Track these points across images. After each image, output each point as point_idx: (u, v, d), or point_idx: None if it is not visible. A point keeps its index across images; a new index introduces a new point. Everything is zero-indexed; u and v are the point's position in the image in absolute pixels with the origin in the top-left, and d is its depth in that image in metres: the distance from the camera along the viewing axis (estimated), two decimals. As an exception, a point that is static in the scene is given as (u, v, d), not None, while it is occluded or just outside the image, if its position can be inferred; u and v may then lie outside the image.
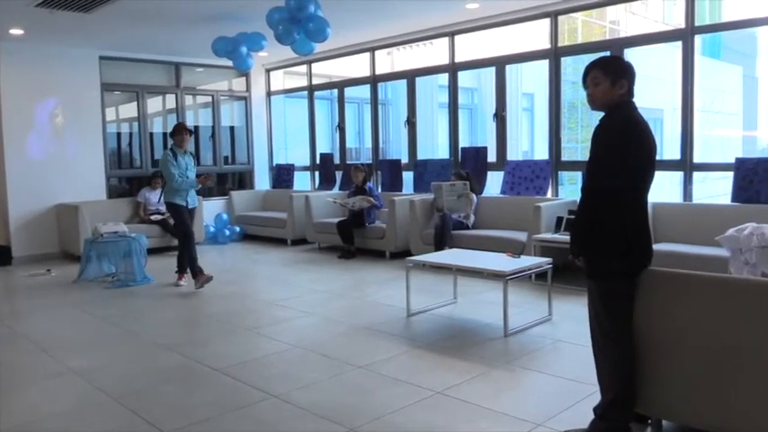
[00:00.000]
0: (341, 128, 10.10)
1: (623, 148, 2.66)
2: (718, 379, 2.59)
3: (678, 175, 6.45)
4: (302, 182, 10.77)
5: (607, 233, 2.72)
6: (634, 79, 2.80)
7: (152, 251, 8.04)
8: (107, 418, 3.35)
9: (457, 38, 8.27)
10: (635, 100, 2.82)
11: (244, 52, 7.37)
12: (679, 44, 6.32)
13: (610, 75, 2.77)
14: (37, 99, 8.54)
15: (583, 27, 10.50)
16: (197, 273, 6.34)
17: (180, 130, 6.52)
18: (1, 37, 7.85)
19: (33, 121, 8.52)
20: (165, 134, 10.33)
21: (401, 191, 8.91)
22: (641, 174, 2.74)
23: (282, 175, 10.77)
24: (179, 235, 6.78)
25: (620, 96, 2.76)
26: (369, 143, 9.91)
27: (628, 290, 2.77)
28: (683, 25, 6.28)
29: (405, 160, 9.13)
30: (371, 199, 8.11)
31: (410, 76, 9.00)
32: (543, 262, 5.04)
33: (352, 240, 8.12)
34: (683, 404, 2.72)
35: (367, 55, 9.39)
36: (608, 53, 6.23)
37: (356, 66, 9.76)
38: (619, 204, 2.70)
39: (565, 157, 7.43)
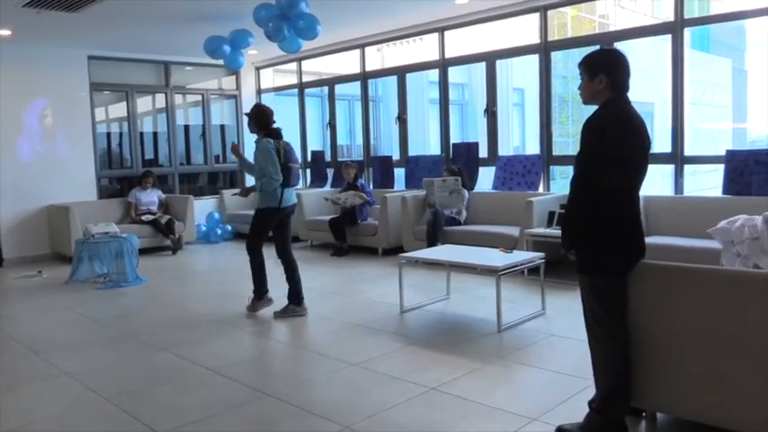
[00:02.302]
0: (332, 125, 10.08)
1: (611, 143, 2.64)
2: (712, 371, 2.60)
3: (669, 168, 6.48)
4: (294, 180, 10.72)
5: (598, 228, 2.71)
6: (619, 72, 2.76)
7: (144, 251, 8.00)
8: (101, 419, 3.34)
9: (447, 33, 8.26)
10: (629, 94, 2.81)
11: (227, 51, 7.34)
12: (668, 37, 6.34)
13: (588, 70, 2.80)
14: (26, 100, 8.48)
15: (572, 21, 10.51)
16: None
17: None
18: (-12, 38, 7.80)
19: (22, 122, 8.46)
20: (155, 133, 10.30)
21: (393, 187, 8.90)
22: (631, 168, 2.73)
23: (274, 174, 10.71)
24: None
25: (599, 91, 2.76)
26: (360, 140, 9.90)
27: (621, 284, 2.76)
28: (672, 18, 6.31)
29: (396, 157, 9.13)
30: (363, 194, 8.10)
31: (400, 73, 8.99)
32: (536, 257, 5.04)
33: (345, 237, 8.12)
34: (677, 397, 2.73)
35: (357, 52, 9.37)
36: (597, 47, 6.23)
37: (346, 62, 9.74)
38: (609, 199, 2.68)
39: (556, 151, 7.45)
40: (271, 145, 5.11)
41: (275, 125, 5.31)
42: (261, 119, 5.25)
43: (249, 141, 10.93)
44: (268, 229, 5.34)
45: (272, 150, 5.09)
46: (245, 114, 5.42)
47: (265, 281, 5.38)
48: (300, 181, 10.56)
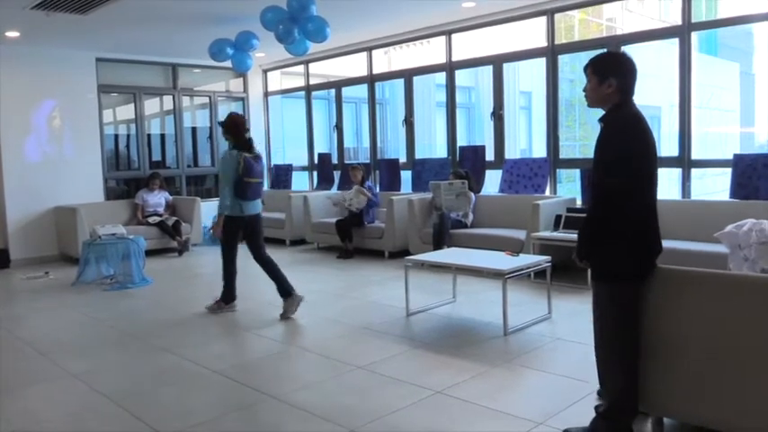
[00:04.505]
0: (338, 128, 10.09)
1: (626, 148, 2.62)
2: (718, 376, 2.59)
3: (676, 172, 6.46)
4: (300, 182, 10.75)
5: (615, 233, 2.68)
6: (628, 76, 2.73)
7: (150, 253, 8.02)
8: (106, 420, 3.35)
9: (454, 36, 8.26)
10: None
11: (230, 53, 7.37)
12: (676, 41, 6.33)
13: (597, 72, 2.75)
14: (34, 101, 8.53)
15: (579, 24, 10.50)
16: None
17: None
18: (-3, 40, 7.85)
19: (30, 123, 8.50)
20: (162, 135, 10.34)
21: (399, 190, 8.90)
22: (646, 172, 2.70)
23: (280, 176, 10.76)
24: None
25: (609, 95, 2.72)
26: (367, 143, 9.91)
27: (636, 290, 2.73)
28: (679, 22, 6.29)
29: (403, 159, 9.13)
30: (365, 190, 8.08)
31: (407, 76, 9.00)
32: (542, 260, 5.03)
33: (351, 238, 8.10)
34: (684, 402, 2.71)
35: (364, 54, 9.39)
36: (604, 50, 6.23)
37: (353, 65, 9.76)
38: (626, 205, 2.65)
39: (563, 154, 7.44)
40: (231, 158, 5.20)
41: (249, 134, 5.40)
42: (233, 129, 5.33)
43: (256, 143, 11.00)
44: (234, 238, 5.43)
45: (230, 164, 5.18)
46: (219, 123, 5.51)
47: (233, 289, 5.57)
48: (307, 183, 10.64)
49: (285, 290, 5.32)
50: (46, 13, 6.56)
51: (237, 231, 5.41)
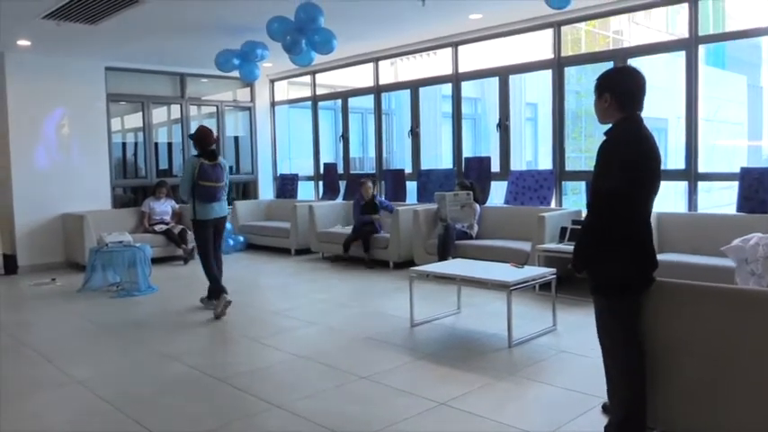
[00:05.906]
0: (345, 138, 10.12)
1: (626, 158, 2.62)
2: (723, 390, 2.58)
3: (683, 185, 6.44)
4: (306, 192, 10.78)
5: (611, 248, 2.67)
6: (625, 91, 2.73)
7: (156, 261, 8.05)
8: (110, 427, 3.35)
9: (460, 48, 8.29)
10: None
11: (236, 63, 7.42)
12: (683, 54, 6.33)
13: (596, 88, 2.81)
14: (43, 110, 8.59)
15: (586, 37, 10.50)
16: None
17: None
18: (8, 48, 7.92)
19: (40, 131, 8.56)
20: (169, 144, 10.39)
21: (405, 201, 8.90)
22: (644, 189, 2.70)
23: (286, 185, 10.79)
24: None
25: (606, 109, 2.75)
26: (372, 153, 9.93)
27: (635, 305, 2.72)
28: (686, 35, 6.30)
29: (408, 170, 9.14)
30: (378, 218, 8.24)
31: (414, 87, 9.02)
32: (547, 272, 5.02)
33: (368, 247, 8.07)
34: (688, 415, 2.70)
35: (371, 65, 9.43)
36: (611, 63, 6.25)
37: (360, 76, 9.80)
38: (622, 219, 2.64)
39: (569, 167, 7.43)
40: (189, 163, 5.90)
41: (213, 146, 5.95)
42: (199, 139, 5.92)
43: (263, 153, 11.07)
44: (202, 238, 5.94)
45: (188, 168, 5.85)
46: (189, 136, 6.16)
47: (216, 284, 5.86)
48: (313, 193, 10.66)
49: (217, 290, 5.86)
50: (57, 23, 6.63)
51: (205, 233, 5.93)
